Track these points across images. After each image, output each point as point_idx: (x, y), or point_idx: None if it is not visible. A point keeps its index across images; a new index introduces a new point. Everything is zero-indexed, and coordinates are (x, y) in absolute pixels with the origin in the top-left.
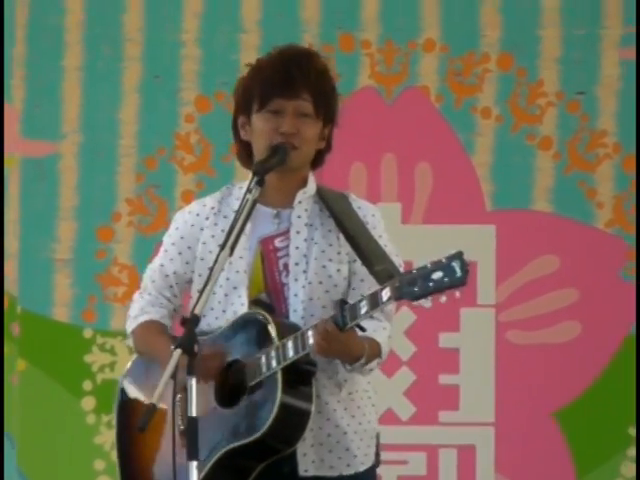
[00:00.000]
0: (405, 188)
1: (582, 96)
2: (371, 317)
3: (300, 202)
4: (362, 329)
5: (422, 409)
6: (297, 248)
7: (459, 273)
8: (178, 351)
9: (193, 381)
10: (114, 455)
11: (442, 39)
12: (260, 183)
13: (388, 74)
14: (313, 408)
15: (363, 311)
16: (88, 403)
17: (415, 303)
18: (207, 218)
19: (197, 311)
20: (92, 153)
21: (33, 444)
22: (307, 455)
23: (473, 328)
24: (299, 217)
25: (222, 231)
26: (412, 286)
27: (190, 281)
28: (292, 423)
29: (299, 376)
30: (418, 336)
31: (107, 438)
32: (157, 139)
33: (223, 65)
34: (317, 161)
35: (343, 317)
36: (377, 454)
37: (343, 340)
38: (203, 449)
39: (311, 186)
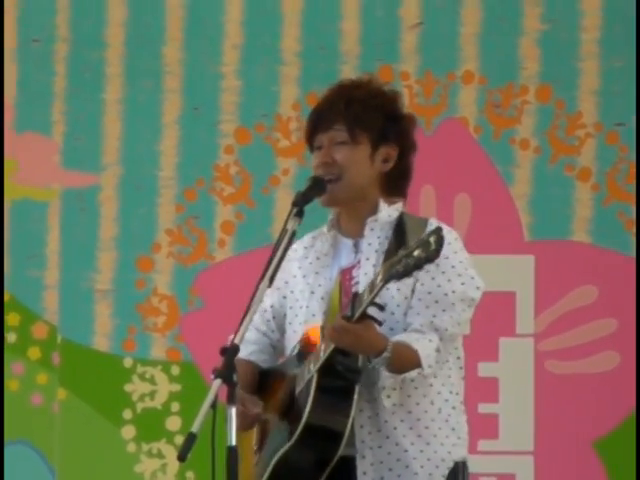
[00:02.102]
0: (444, 219)
1: (621, 127)
2: (420, 332)
3: (372, 229)
4: (377, 322)
5: None
6: (365, 274)
7: (433, 246)
8: (218, 381)
9: (233, 410)
10: None
11: (481, 71)
12: (299, 214)
13: (427, 105)
14: (350, 421)
15: (364, 297)
16: (128, 432)
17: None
18: (300, 254)
19: (236, 340)
20: (132, 184)
21: (73, 473)
22: (367, 474)
23: (512, 358)
24: (369, 244)
25: (310, 264)
26: (396, 266)
27: None
28: (326, 431)
29: (338, 380)
30: None
31: (147, 467)
32: (197, 170)
33: (263, 97)
34: (389, 185)
35: (352, 308)
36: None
37: (353, 331)
38: (263, 461)
39: (385, 212)
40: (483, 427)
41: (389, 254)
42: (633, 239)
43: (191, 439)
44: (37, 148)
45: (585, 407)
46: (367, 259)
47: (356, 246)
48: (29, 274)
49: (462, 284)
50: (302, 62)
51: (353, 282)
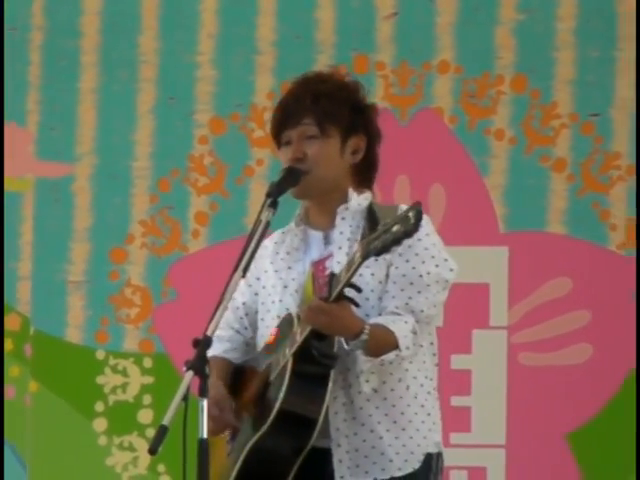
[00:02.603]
0: None
1: (596, 118)
2: (395, 314)
3: (343, 218)
4: (354, 303)
5: None
6: (339, 262)
7: (412, 221)
8: (190, 373)
9: (205, 402)
10: (125, 477)
11: (456, 60)
12: (273, 205)
13: (402, 95)
14: (324, 407)
15: (342, 277)
16: (100, 424)
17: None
18: (271, 250)
19: (209, 332)
20: (106, 175)
21: (45, 466)
22: (343, 462)
23: (485, 350)
24: (341, 233)
25: (281, 259)
26: (374, 242)
27: None
28: (299, 417)
29: (313, 366)
30: None
31: (119, 459)
32: (171, 161)
33: (238, 87)
34: (359, 176)
35: (329, 287)
36: (430, 472)
37: (329, 311)
38: (238, 450)
39: (355, 201)
40: (455, 420)
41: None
42: (607, 230)
43: (162, 432)
44: (11, 138)
45: (558, 400)
46: (340, 248)
47: (326, 238)
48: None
49: (436, 266)
50: (277, 51)
51: (326, 273)
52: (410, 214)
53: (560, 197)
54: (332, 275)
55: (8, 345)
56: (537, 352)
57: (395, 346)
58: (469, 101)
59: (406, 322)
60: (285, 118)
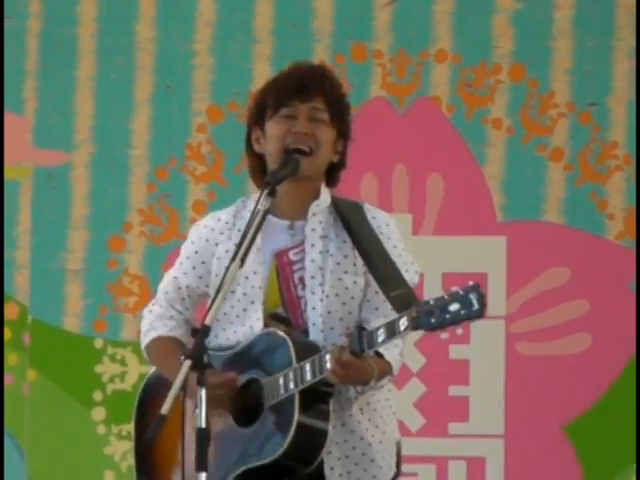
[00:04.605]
0: (416, 199)
1: (593, 107)
2: None
3: (314, 214)
4: (378, 354)
5: (432, 421)
6: (312, 261)
7: (476, 306)
8: (187, 362)
9: (203, 392)
10: (124, 466)
11: (454, 50)
12: (271, 194)
13: (400, 84)
14: (330, 428)
15: (380, 339)
16: (98, 414)
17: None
18: (222, 233)
19: (207, 322)
20: (104, 163)
21: (43, 455)
22: (334, 469)
23: (483, 340)
24: (313, 230)
25: (235, 245)
26: (429, 317)
27: (203, 295)
28: (309, 444)
29: (316, 397)
30: (428, 348)
31: (117, 449)
32: (169, 149)
33: (235, 75)
34: (331, 176)
35: (361, 344)
36: (398, 464)
37: (359, 367)
38: (220, 467)
39: (324, 197)
40: (453, 410)
41: (361, 246)
42: (605, 220)
43: (161, 421)
44: (8, 126)
45: (556, 390)
46: (312, 245)
47: (292, 228)
48: None
49: (406, 271)
50: (275, 40)
51: (294, 267)
52: (472, 297)
53: (558, 187)
54: (361, 329)
55: (6, 334)
56: (535, 342)
57: (390, 372)
58: (466, 90)
59: (396, 345)
60: (299, 88)
